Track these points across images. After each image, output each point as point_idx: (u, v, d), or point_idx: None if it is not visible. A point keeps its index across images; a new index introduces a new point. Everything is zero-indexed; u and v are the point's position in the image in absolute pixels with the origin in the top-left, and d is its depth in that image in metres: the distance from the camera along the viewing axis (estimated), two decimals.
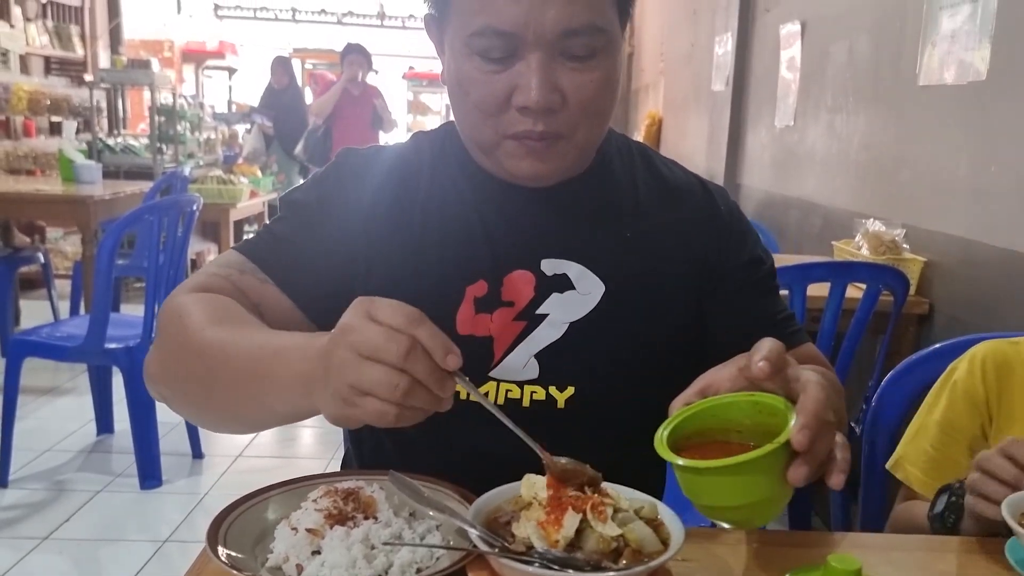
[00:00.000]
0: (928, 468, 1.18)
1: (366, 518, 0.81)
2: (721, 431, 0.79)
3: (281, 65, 7.51)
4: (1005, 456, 0.94)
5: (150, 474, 3.03)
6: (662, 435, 0.78)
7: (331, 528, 0.79)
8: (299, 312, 1.01)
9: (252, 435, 3.52)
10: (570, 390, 1.01)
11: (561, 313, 1.02)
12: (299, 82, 8.28)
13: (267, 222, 1.08)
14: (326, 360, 0.73)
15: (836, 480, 0.75)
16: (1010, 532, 0.87)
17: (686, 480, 0.76)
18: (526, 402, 1.00)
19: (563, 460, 0.78)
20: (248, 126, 7.75)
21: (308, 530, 0.79)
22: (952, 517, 1.02)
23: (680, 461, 0.74)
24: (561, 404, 1.01)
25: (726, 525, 0.81)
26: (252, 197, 6.10)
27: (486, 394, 0.99)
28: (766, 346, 0.77)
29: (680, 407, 0.81)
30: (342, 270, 1.02)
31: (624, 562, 0.72)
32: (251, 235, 1.08)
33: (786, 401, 0.76)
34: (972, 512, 0.98)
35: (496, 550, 0.73)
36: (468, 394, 0.98)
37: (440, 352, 0.71)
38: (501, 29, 0.91)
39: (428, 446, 1.03)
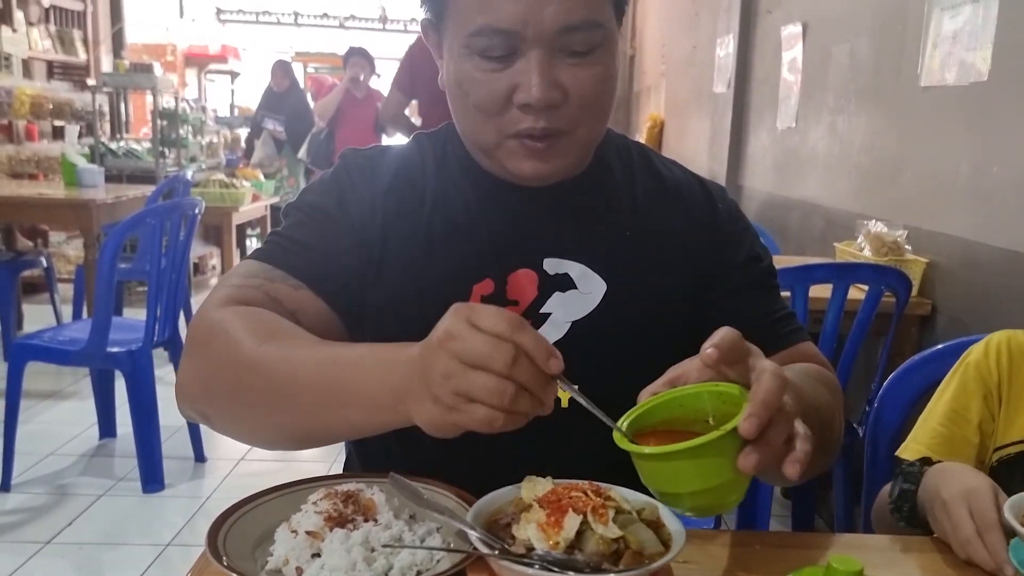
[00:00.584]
0: (936, 446, 1.17)
1: (366, 520, 0.81)
2: (688, 422, 0.79)
3: (281, 68, 7.51)
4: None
5: (152, 478, 3.03)
6: (622, 424, 0.79)
7: (331, 530, 0.79)
8: (334, 315, 1.00)
9: None
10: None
11: (563, 312, 1.03)
12: (300, 85, 8.26)
13: (278, 229, 1.06)
14: (424, 370, 0.72)
15: (790, 470, 0.75)
16: (1013, 533, 0.86)
17: (640, 467, 0.77)
18: None
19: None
20: (251, 130, 7.70)
21: (308, 532, 0.79)
22: (906, 507, 1.03)
23: (632, 448, 0.75)
24: (564, 403, 1.01)
25: (684, 514, 0.81)
26: (254, 201, 6.11)
27: None
28: (719, 334, 0.77)
29: (648, 397, 0.81)
30: (362, 268, 1.02)
31: (624, 564, 0.72)
32: (263, 243, 1.06)
33: (743, 390, 0.77)
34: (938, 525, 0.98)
35: (496, 552, 0.73)
36: None
37: (543, 357, 0.71)
38: (500, 27, 0.91)
39: (432, 447, 1.03)
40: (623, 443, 0.76)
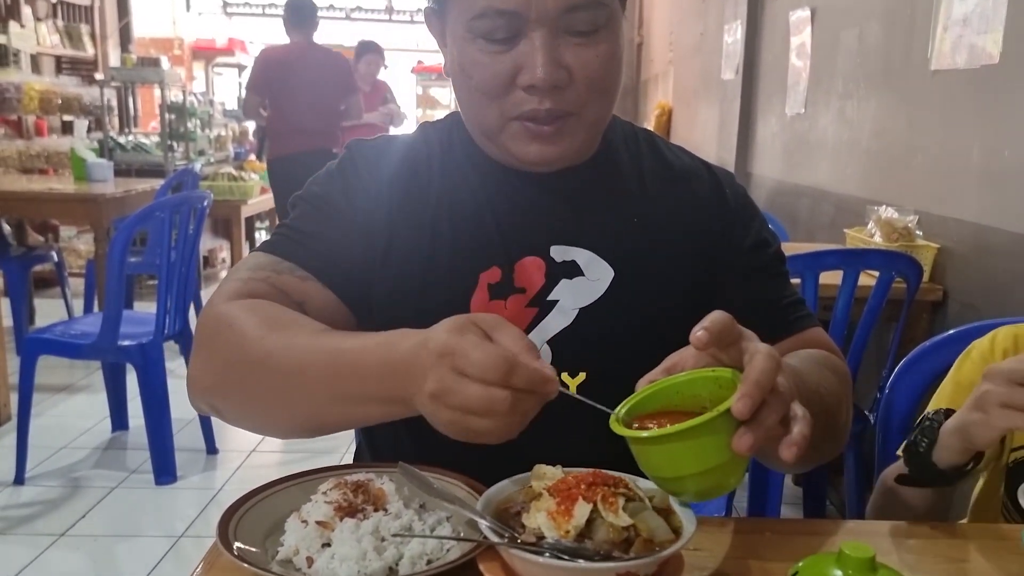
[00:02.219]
0: None
1: (376, 510, 0.81)
2: (688, 407, 0.79)
3: None
4: None
5: (165, 470, 3.04)
6: (619, 412, 0.79)
7: (341, 520, 0.79)
8: (342, 305, 1.00)
9: None
10: (582, 376, 1.01)
11: (571, 299, 1.02)
12: None
13: (285, 221, 1.06)
14: (425, 408, 0.74)
15: (788, 452, 0.74)
16: None
17: (637, 452, 0.77)
18: None
19: None
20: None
21: (318, 523, 0.79)
22: (924, 441, 1.02)
23: (626, 432, 0.75)
24: (573, 390, 1.00)
25: (680, 498, 0.80)
26: (263, 193, 6.12)
27: None
28: (710, 317, 0.77)
29: (646, 385, 0.81)
30: (368, 258, 1.02)
31: (635, 552, 0.72)
32: (271, 235, 1.07)
33: (736, 373, 0.76)
34: (970, 432, 0.98)
35: (506, 541, 0.72)
36: None
37: (540, 387, 0.72)
38: (503, 8, 0.91)
39: (442, 436, 1.03)
40: (618, 428, 0.77)
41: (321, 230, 1.02)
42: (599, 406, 0.79)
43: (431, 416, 0.74)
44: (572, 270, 1.03)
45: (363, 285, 1.02)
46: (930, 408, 1.22)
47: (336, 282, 1.00)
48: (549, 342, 1.01)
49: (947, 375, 1.24)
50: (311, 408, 0.85)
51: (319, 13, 5.40)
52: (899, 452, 1.21)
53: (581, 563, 0.69)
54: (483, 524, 0.74)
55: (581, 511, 0.73)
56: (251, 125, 8.19)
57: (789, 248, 1.22)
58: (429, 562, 0.77)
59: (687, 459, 0.74)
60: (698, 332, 0.76)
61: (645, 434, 0.75)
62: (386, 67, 6.68)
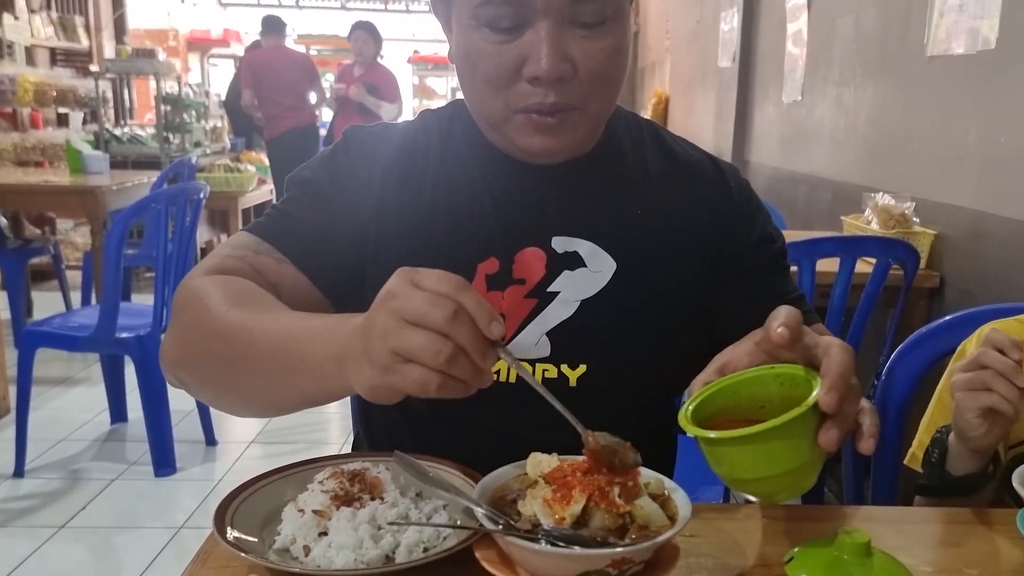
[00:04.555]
0: None
1: (372, 499, 0.81)
2: (744, 409, 0.77)
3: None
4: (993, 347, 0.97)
5: (164, 461, 3.05)
6: (686, 412, 0.76)
7: (338, 509, 0.79)
8: (317, 291, 1.00)
9: (265, 421, 3.54)
10: (582, 368, 1.00)
11: (572, 291, 1.02)
12: None
13: (276, 202, 1.07)
14: (365, 332, 0.71)
15: (866, 445, 0.75)
16: (1020, 502, 0.86)
17: (715, 454, 0.74)
18: (538, 380, 1.00)
19: (601, 436, 0.76)
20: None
21: (315, 512, 0.79)
22: (936, 452, 1.04)
23: (711, 434, 0.72)
24: (573, 382, 1.00)
25: (753, 498, 0.79)
26: (260, 185, 6.11)
27: (497, 372, 0.98)
28: (783, 312, 0.76)
29: (700, 387, 0.79)
30: (356, 247, 1.02)
31: (631, 538, 0.72)
32: (261, 216, 1.07)
33: (807, 369, 0.75)
34: (956, 427, 1.00)
35: (502, 528, 0.73)
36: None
37: (485, 319, 0.69)
38: None
39: (439, 425, 1.03)
40: (691, 429, 0.73)
41: (305, 215, 1.02)
42: (543, 391, 0.76)
43: (367, 341, 0.70)
44: (574, 261, 1.02)
45: (344, 272, 1.01)
46: (927, 415, 1.22)
47: (312, 268, 1.00)
48: (549, 334, 1.01)
49: (941, 380, 1.23)
50: (256, 382, 0.85)
51: (314, 3, 5.75)
52: (906, 462, 1.22)
53: (577, 550, 0.69)
54: (479, 512, 0.74)
55: (577, 498, 0.73)
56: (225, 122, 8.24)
57: (787, 236, 1.22)
58: (426, 550, 0.77)
59: (770, 460, 0.72)
60: (779, 329, 0.75)
61: (729, 434, 0.72)
62: (382, 56, 6.63)
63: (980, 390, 0.96)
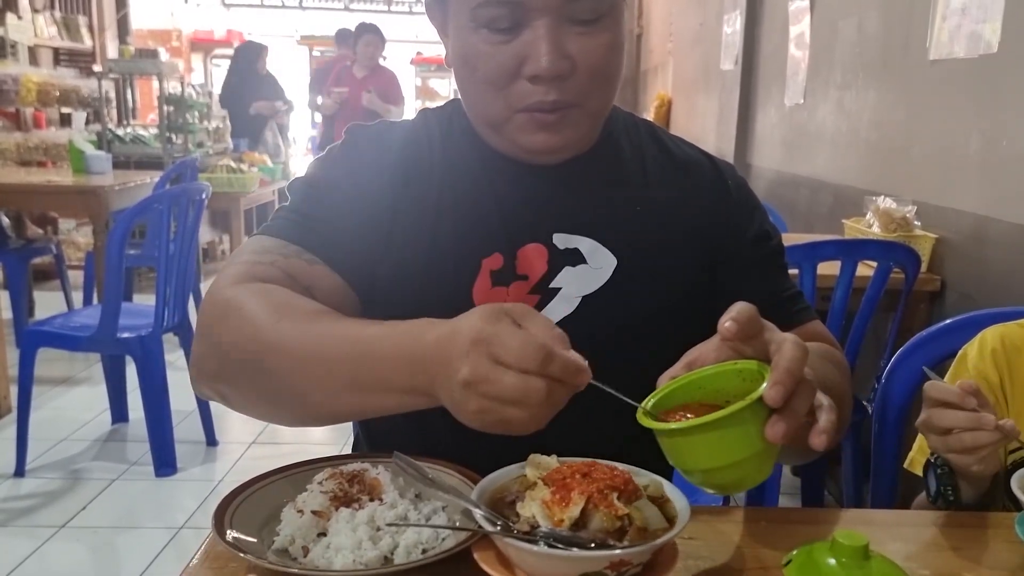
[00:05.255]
0: None
1: (371, 500, 0.81)
2: (710, 403, 0.79)
3: (265, 51, 7.47)
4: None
5: (165, 462, 3.05)
6: (645, 406, 0.78)
7: (336, 510, 0.79)
8: (348, 288, 0.99)
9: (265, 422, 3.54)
10: None
11: (574, 287, 1.02)
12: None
13: (286, 204, 1.05)
14: (455, 405, 0.73)
15: (818, 441, 0.75)
16: (1019, 506, 0.86)
17: (667, 445, 0.76)
18: None
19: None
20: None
21: (314, 512, 0.79)
22: (950, 490, 1.02)
23: (658, 425, 0.75)
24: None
25: (709, 491, 0.80)
26: (262, 186, 6.11)
27: None
28: (736, 308, 0.77)
29: (667, 381, 0.81)
30: (373, 242, 1.01)
31: (629, 540, 0.72)
32: (272, 219, 1.05)
33: (762, 364, 0.77)
34: (961, 472, 0.99)
35: (500, 530, 0.73)
36: None
37: (573, 376, 0.71)
38: None
39: (439, 426, 1.03)
40: (646, 421, 0.76)
41: (326, 214, 1.00)
42: (625, 398, 0.78)
43: (459, 405, 0.72)
44: (575, 258, 1.03)
45: (368, 269, 1.00)
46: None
47: (343, 266, 0.98)
48: None
49: (944, 380, 1.23)
50: (325, 396, 0.83)
51: (317, 4, 5.56)
52: (906, 466, 1.21)
53: (575, 551, 0.69)
54: (478, 513, 0.75)
55: (576, 500, 0.73)
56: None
57: (788, 238, 1.22)
58: (424, 551, 0.77)
59: (718, 450, 0.73)
60: (726, 323, 0.76)
61: (675, 425, 0.74)
62: (384, 57, 6.63)
63: (935, 435, 0.96)
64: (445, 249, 1.01)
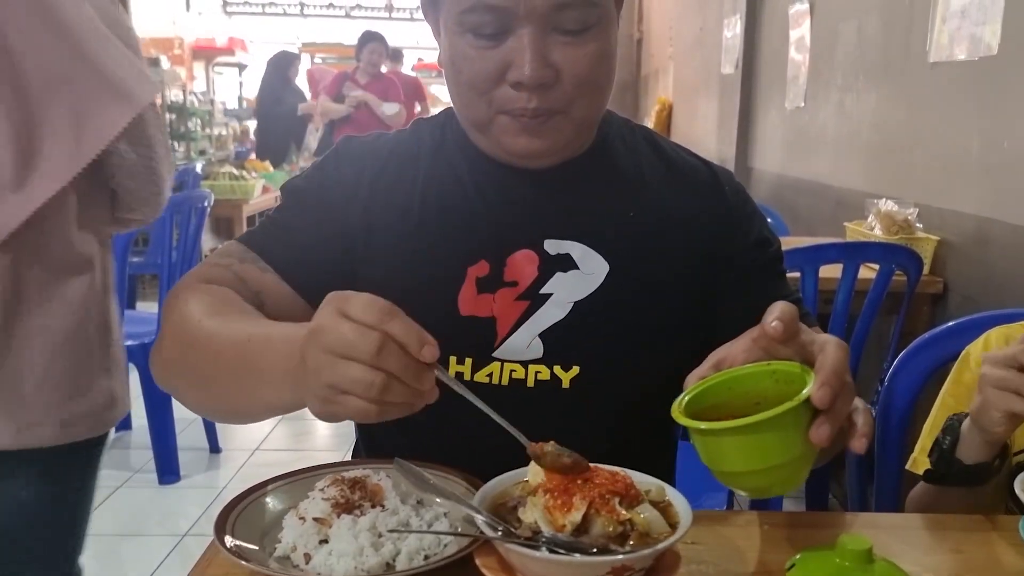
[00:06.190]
0: None
1: (373, 506, 0.81)
2: (739, 405, 0.77)
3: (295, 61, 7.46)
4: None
5: (168, 469, 3.05)
6: (679, 404, 0.77)
7: (338, 517, 0.79)
8: (301, 300, 1.01)
9: (269, 429, 3.54)
10: (575, 369, 1.01)
11: (565, 292, 1.02)
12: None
13: (270, 210, 1.10)
14: (302, 362, 0.73)
15: (859, 444, 0.75)
16: (1023, 509, 0.86)
17: (706, 446, 0.74)
18: (531, 382, 1.00)
19: (548, 446, 0.77)
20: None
21: (316, 519, 0.79)
22: (948, 439, 1.03)
23: (701, 425, 0.73)
24: (566, 384, 1.00)
25: (743, 493, 0.79)
26: (264, 193, 6.12)
27: (490, 375, 1.00)
28: (779, 307, 0.77)
29: (696, 382, 0.80)
30: (343, 255, 1.03)
31: (631, 545, 0.72)
32: (256, 224, 1.10)
33: (803, 366, 0.76)
34: (978, 420, 0.99)
35: (502, 535, 0.73)
36: (472, 378, 0.98)
37: (415, 345, 0.70)
38: (492, 3, 0.91)
39: (437, 433, 1.03)
40: (685, 421, 0.74)
41: (293, 224, 1.05)
42: (484, 407, 0.78)
43: (307, 368, 0.71)
44: (566, 263, 1.02)
45: (331, 281, 0.98)
46: (931, 419, 1.22)
47: (296, 277, 1.01)
48: (541, 335, 1.01)
49: (946, 384, 1.23)
50: (230, 389, 0.88)
51: (319, 11, 5.53)
52: (908, 467, 1.21)
53: (577, 557, 0.69)
54: (479, 519, 0.74)
55: (577, 505, 0.73)
56: (251, 124, 8.14)
57: (789, 242, 1.23)
58: (426, 557, 0.77)
59: (760, 452, 0.72)
60: (772, 323, 0.75)
61: (722, 425, 0.72)
62: (389, 58, 6.65)
63: (1013, 393, 0.95)
64: (429, 257, 1.02)
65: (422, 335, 0.70)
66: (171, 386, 0.98)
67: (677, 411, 0.76)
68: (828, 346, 0.75)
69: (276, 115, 7.06)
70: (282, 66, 7.32)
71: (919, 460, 1.18)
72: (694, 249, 1.06)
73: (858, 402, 0.77)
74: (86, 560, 2.17)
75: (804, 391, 0.71)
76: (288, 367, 0.76)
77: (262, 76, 7.35)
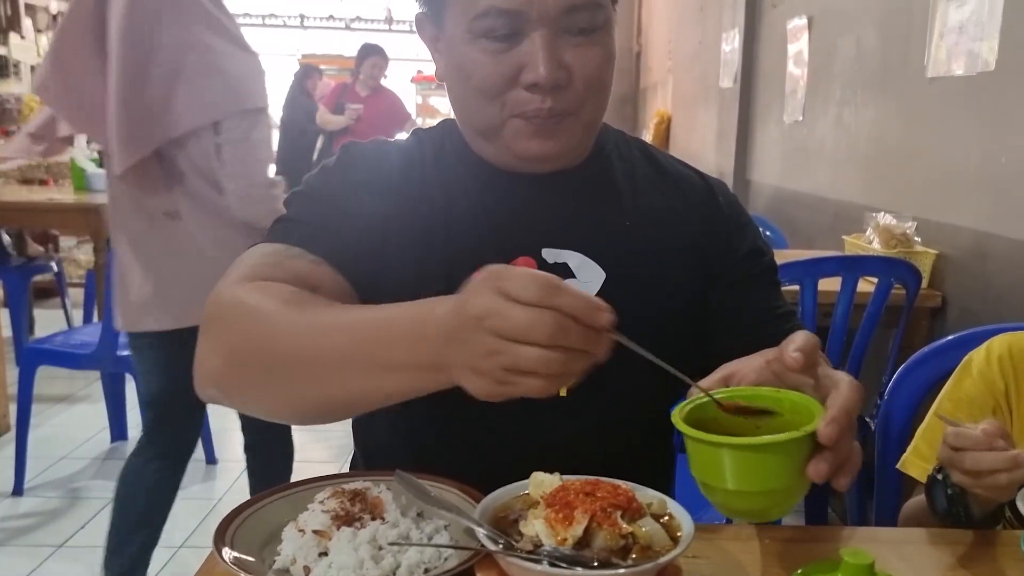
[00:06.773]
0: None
1: (373, 519, 0.81)
2: (739, 423, 0.77)
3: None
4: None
5: None
6: (681, 410, 0.77)
7: (338, 529, 0.79)
8: (354, 291, 0.98)
9: None
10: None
11: None
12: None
13: (283, 215, 1.04)
14: (464, 345, 0.69)
15: (843, 482, 0.74)
16: None
17: (701, 456, 0.74)
18: None
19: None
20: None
21: (315, 531, 0.79)
22: (962, 512, 1.00)
23: (702, 435, 0.72)
24: (564, 392, 1.00)
25: (722, 511, 0.79)
26: None
27: None
28: (801, 338, 0.76)
29: (699, 392, 0.79)
30: (370, 253, 1.01)
31: (633, 558, 0.71)
32: (270, 230, 1.04)
33: (812, 399, 0.75)
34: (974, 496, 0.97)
35: (503, 548, 0.72)
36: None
37: (589, 315, 0.68)
38: (505, 7, 0.92)
39: (439, 444, 1.03)
40: (685, 428, 0.73)
41: (325, 221, 1.00)
42: (663, 363, 0.75)
43: (471, 353, 0.69)
44: (564, 272, 1.03)
45: (367, 278, 1.00)
46: (926, 422, 1.21)
47: (347, 267, 0.98)
48: None
49: (944, 389, 1.23)
50: (337, 382, 0.82)
51: (319, 23, 5.53)
52: (898, 466, 1.20)
53: (579, 571, 0.69)
54: (480, 532, 0.74)
55: (579, 519, 0.73)
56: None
57: (788, 255, 1.23)
58: (427, 571, 0.77)
59: (754, 474, 0.71)
60: (793, 353, 0.75)
61: (722, 439, 0.71)
62: (386, 76, 6.67)
63: (991, 484, 0.93)
64: (435, 263, 1.02)
65: (592, 302, 0.69)
66: (228, 389, 0.90)
67: (678, 418, 0.76)
68: (842, 384, 0.75)
69: (296, 130, 6.92)
70: (303, 79, 7.27)
71: (910, 461, 1.18)
72: (689, 258, 1.07)
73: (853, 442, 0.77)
74: (81, 572, 2.16)
75: (812, 424, 0.71)
76: (421, 351, 0.73)
77: (287, 94, 7.25)
